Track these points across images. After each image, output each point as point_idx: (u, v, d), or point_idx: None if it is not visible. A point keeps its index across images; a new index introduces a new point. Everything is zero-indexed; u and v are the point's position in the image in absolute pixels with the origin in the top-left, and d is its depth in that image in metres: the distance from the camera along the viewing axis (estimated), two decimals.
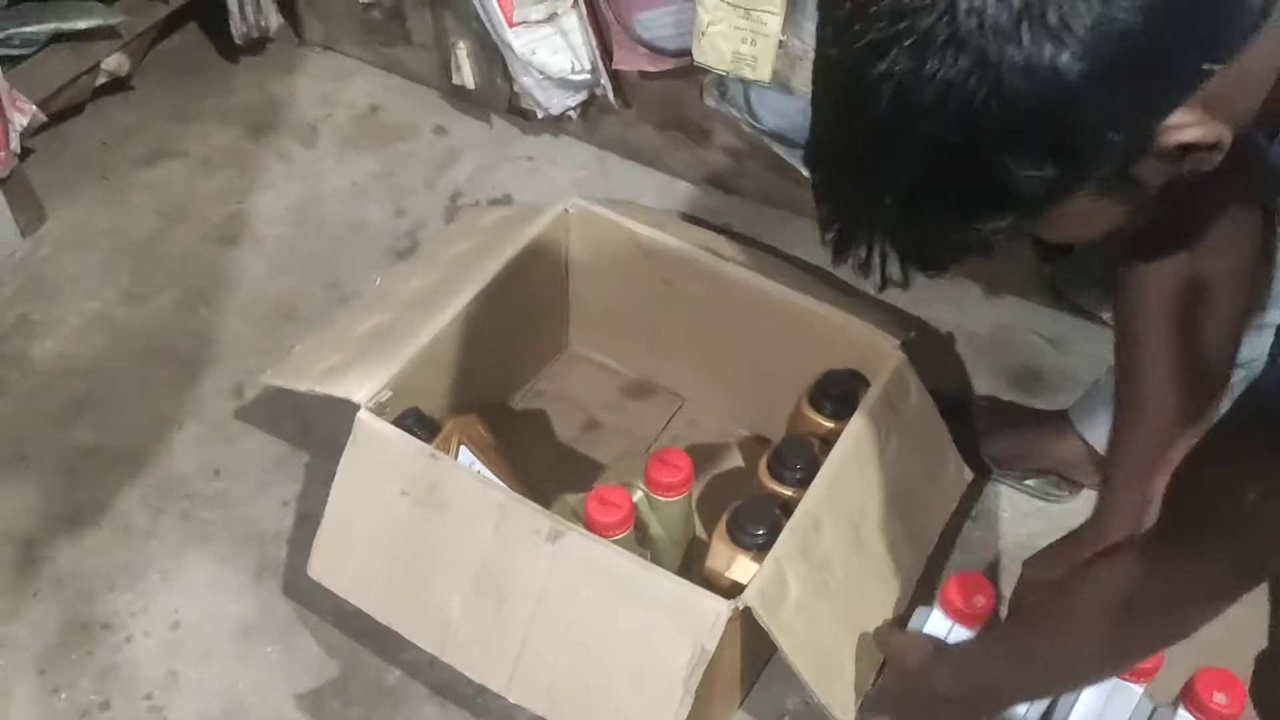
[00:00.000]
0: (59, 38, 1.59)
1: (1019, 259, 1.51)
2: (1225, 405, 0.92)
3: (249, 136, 1.73)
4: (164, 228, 1.60)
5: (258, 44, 1.82)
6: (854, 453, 1.10)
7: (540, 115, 1.65)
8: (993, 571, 1.27)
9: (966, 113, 0.57)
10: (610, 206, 1.33)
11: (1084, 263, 1.47)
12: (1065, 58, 0.56)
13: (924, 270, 0.68)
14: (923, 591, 1.14)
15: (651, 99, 1.60)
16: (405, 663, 1.19)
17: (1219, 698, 0.92)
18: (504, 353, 1.34)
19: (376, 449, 1.10)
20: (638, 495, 1.09)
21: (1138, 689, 0.96)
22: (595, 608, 1.01)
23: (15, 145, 1.49)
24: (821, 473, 1.06)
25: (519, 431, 1.35)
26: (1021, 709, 0.98)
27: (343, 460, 1.10)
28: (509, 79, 1.64)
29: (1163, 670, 0.96)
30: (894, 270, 0.68)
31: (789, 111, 1.47)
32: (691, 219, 1.58)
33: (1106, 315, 1.35)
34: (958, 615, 1.00)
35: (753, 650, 1.08)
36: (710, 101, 1.52)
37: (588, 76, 1.57)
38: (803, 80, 1.43)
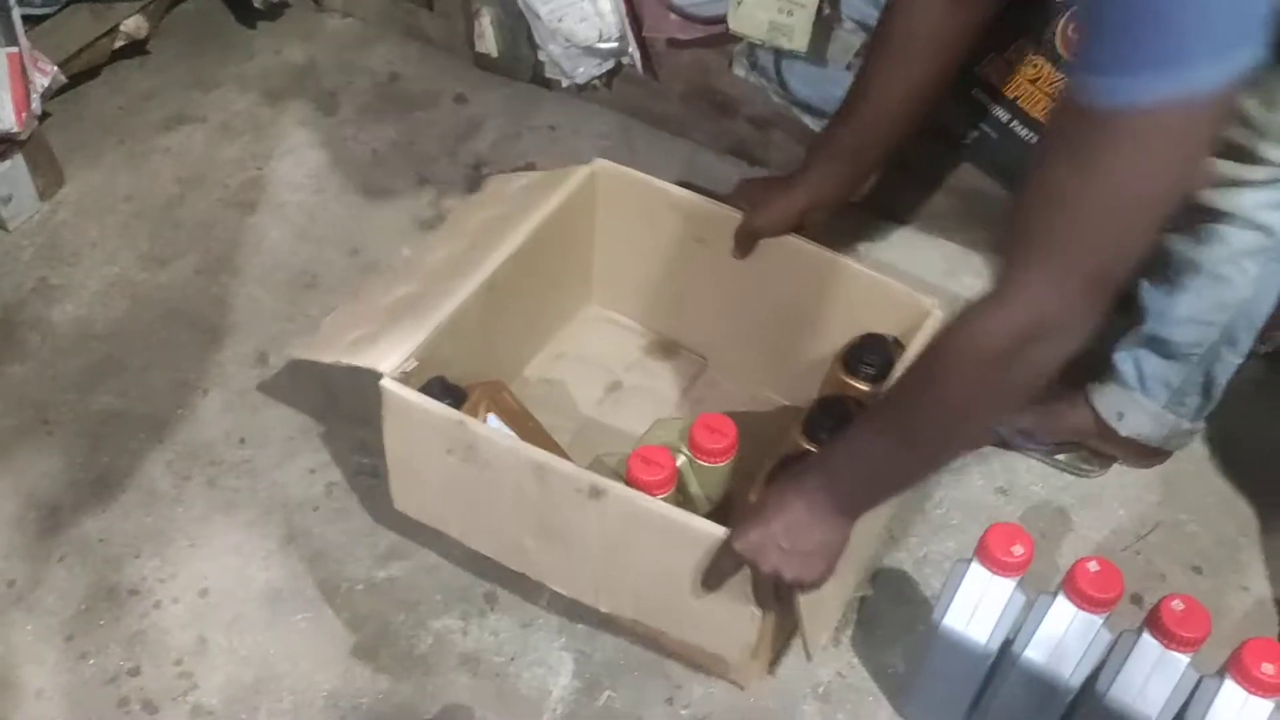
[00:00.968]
0: None
1: None
2: None
3: (268, 103, 1.71)
4: (183, 193, 1.58)
5: (276, 9, 1.80)
6: None
7: (565, 85, 1.63)
8: None
9: None
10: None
11: None
12: None
13: None
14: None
15: (678, 68, 1.59)
16: (436, 631, 1.18)
17: (1267, 668, 0.91)
18: (529, 316, 1.34)
19: (410, 414, 1.10)
20: (680, 459, 1.09)
21: (1183, 659, 0.95)
22: (653, 555, 1.04)
23: (36, 107, 1.46)
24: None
25: (542, 394, 1.34)
26: (1065, 672, 0.97)
27: (384, 418, 1.11)
28: (534, 47, 1.62)
29: (1209, 641, 0.96)
30: None
31: (820, 82, 1.45)
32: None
33: None
34: (998, 566, 0.99)
35: None
36: (739, 71, 1.51)
37: (615, 45, 1.55)
38: (837, 49, 1.42)
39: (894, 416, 0.93)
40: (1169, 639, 0.95)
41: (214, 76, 1.74)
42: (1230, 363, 1.20)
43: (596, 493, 1.02)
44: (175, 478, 1.29)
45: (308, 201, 1.58)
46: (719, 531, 0.99)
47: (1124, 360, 1.23)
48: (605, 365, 1.39)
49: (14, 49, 1.43)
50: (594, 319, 1.43)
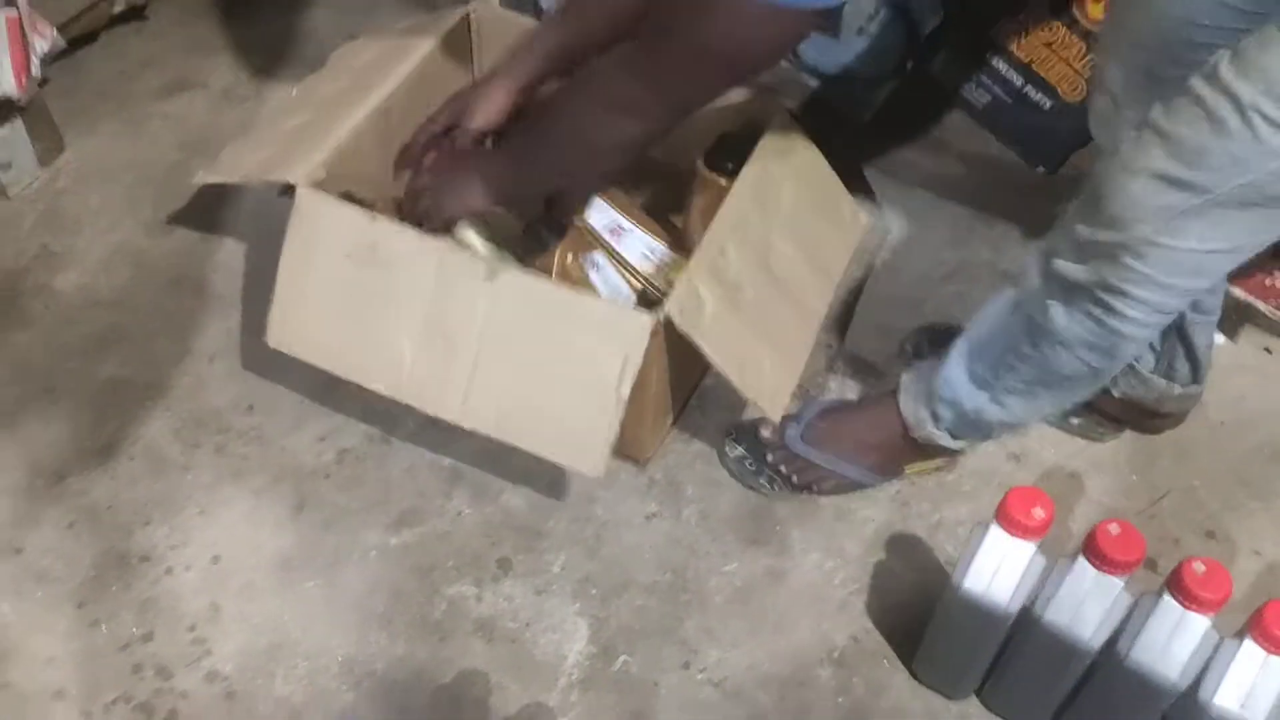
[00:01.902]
0: None
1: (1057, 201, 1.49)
2: None
3: (269, 69, 1.68)
4: (185, 159, 1.56)
5: None
6: (751, 196, 1.20)
7: None
8: None
9: None
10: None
11: None
12: None
13: None
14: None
15: None
16: (450, 597, 1.18)
17: None
18: None
19: (319, 219, 1.17)
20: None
21: (1205, 621, 0.95)
22: (533, 335, 1.12)
23: (36, 71, 1.44)
24: (722, 209, 1.17)
25: None
26: (1085, 634, 0.97)
27: (287, 233, 1.17)
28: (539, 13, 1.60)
29: (1230, 604, 0.96)
30: None
31: (830, 49, 1.44)
32: None
33: None
34: (1018, 529, 0.98)
35: (678, 375, 1.22)
36: None
37: None
38: (850, 14, 1.41)
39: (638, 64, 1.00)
40: (1190, 600, 0.95)
41: (214, 42, 1.72)
42: (1201, 323, 1.20)
43: (491, 275, 1.10)
44: (183, 445, 1.28)
45: None
46: (606, 309, 1.12)
47: None
48: None
49: (13, 11, 1.41)
50: None
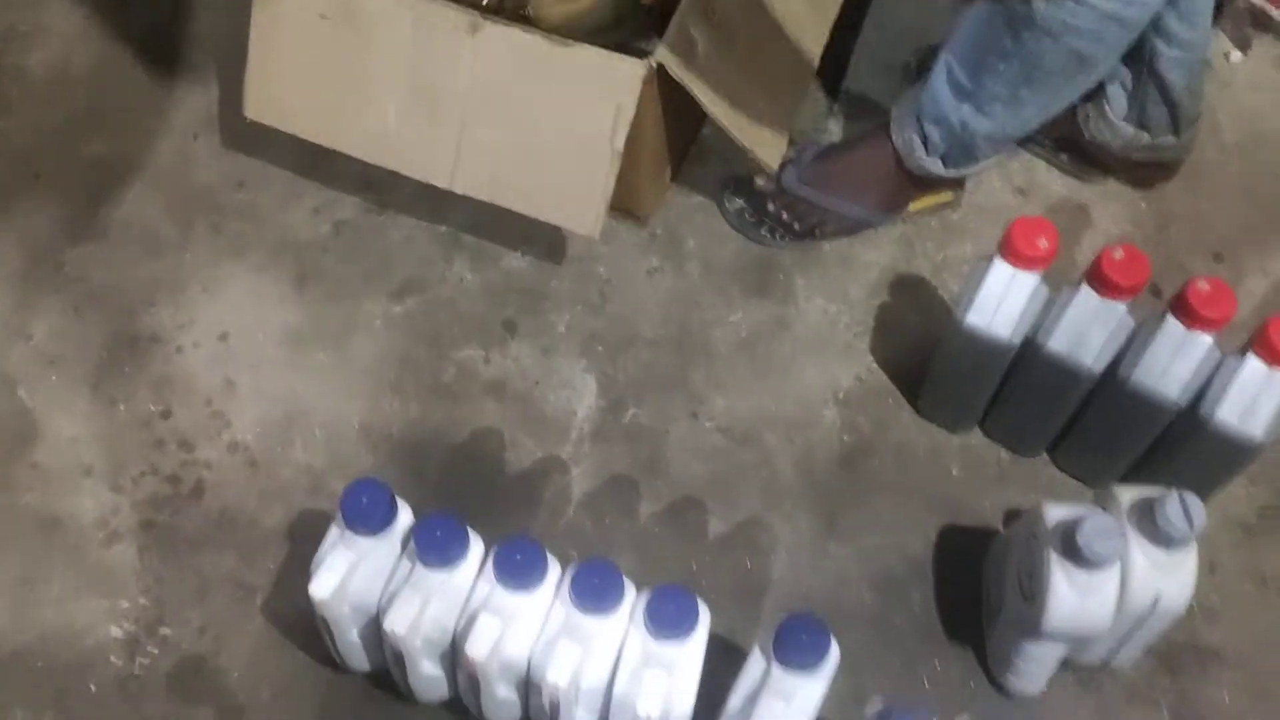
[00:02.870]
0: None
1: None
2: None
3: None
4: None
5: None
6: None
7: None
8: None
9: None
10: None
11: None
12: None
13: None
14: None
15: None
16: (458, 361, 1.19)
17: None
18: None
19: None
20: None
21: (1207, 339, 0.96)
22: (522, 90, 1.08)
23: None
24: None
25: None
26: (1087, 360, 0.98)
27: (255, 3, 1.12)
28: None
29: (1236, 324, 0.96)
30: None
31: None
32: None
33: None
34: (1021, 260, 0.98)
35: (674, 126, 1.17)
36: None
37: None
38: None
39: None
40: (1193, 319, 0.95)
41: None
42: (1175, 59, 1.13)
43: (474, 28, 1.06)
44: (178, 225, 1.27)
45: None
46: (596, 57, 1.04)
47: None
48: None
49: None
50: None
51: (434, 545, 0.88)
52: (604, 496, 1.11)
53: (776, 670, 0.86)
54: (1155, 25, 1.09)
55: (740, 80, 1.12)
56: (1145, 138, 1.21)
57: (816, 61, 1.21)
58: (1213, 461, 0.99)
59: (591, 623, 0.88)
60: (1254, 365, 0.94)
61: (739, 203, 1.26)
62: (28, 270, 1.23)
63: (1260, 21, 1.30)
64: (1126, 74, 1.16)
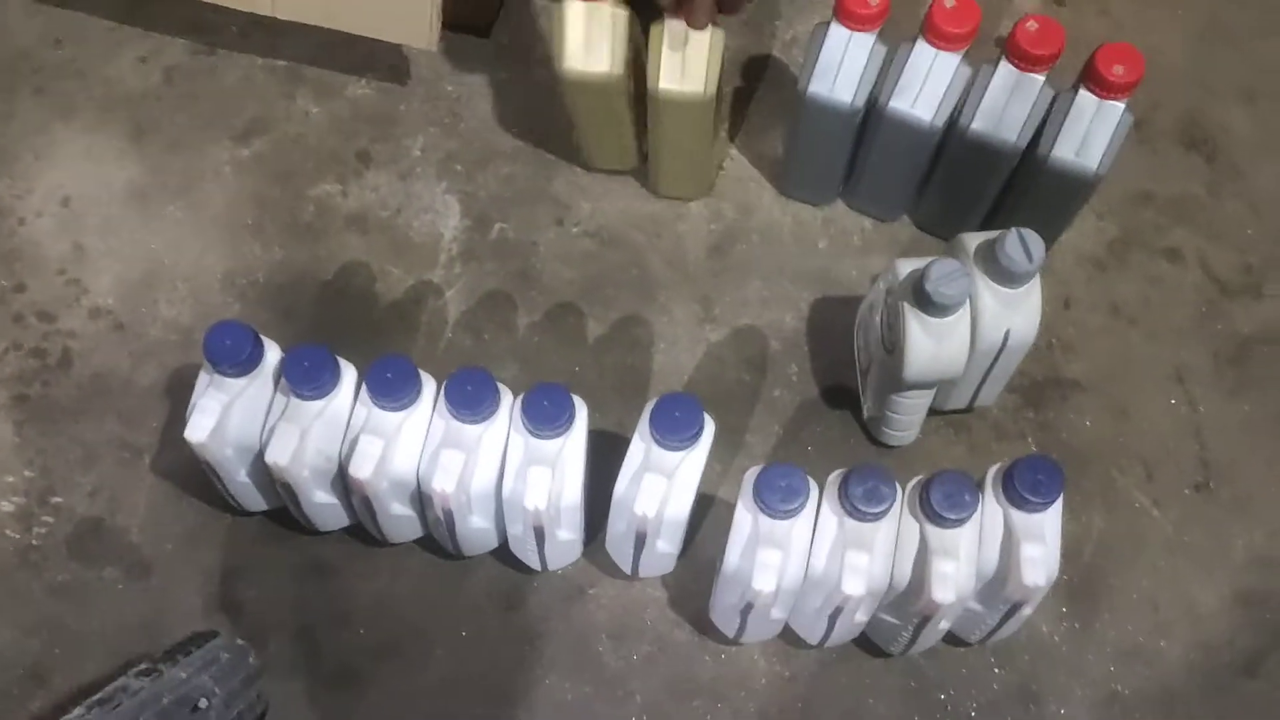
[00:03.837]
0: None
1: None
2: None
3: None
4: None
5: None
6: None
7: None
8: None
9: None
10: None
11: None
12: None
13: None
14: None
15: None
16: (315, 198, 1.17)
17: (1118, 69, 0.94)
18: None
19: None
20: None
21: (1039, 79, 0.97)
22: None
23: None
24: None
25: None
26: (927, 115, 0.99)
27: None
28: None
29: (1069, 65, 0.97)
30: None
31: None
32: None
33: None
34: (855, 20, 0.97)
35: None
36: None
37: None
38: None
39: None
40: (1024, 60, 0.97)
41: None
42: None
43: None
44: None
45: None
46: None
47: None
48: None
49: None
50: None
51: (304, 375, 0.89)
52: (480, 314, 1.12)
53: (656, 450, 0.89)
54: None
55: None
56: None
57: None
58: (1057, 199, 1.02)
59: (472, 430, 0.90)
60: (1085, 98, 0.96)
61: None
62: None
63: None
64: None
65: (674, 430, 0.87)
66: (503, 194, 1.18)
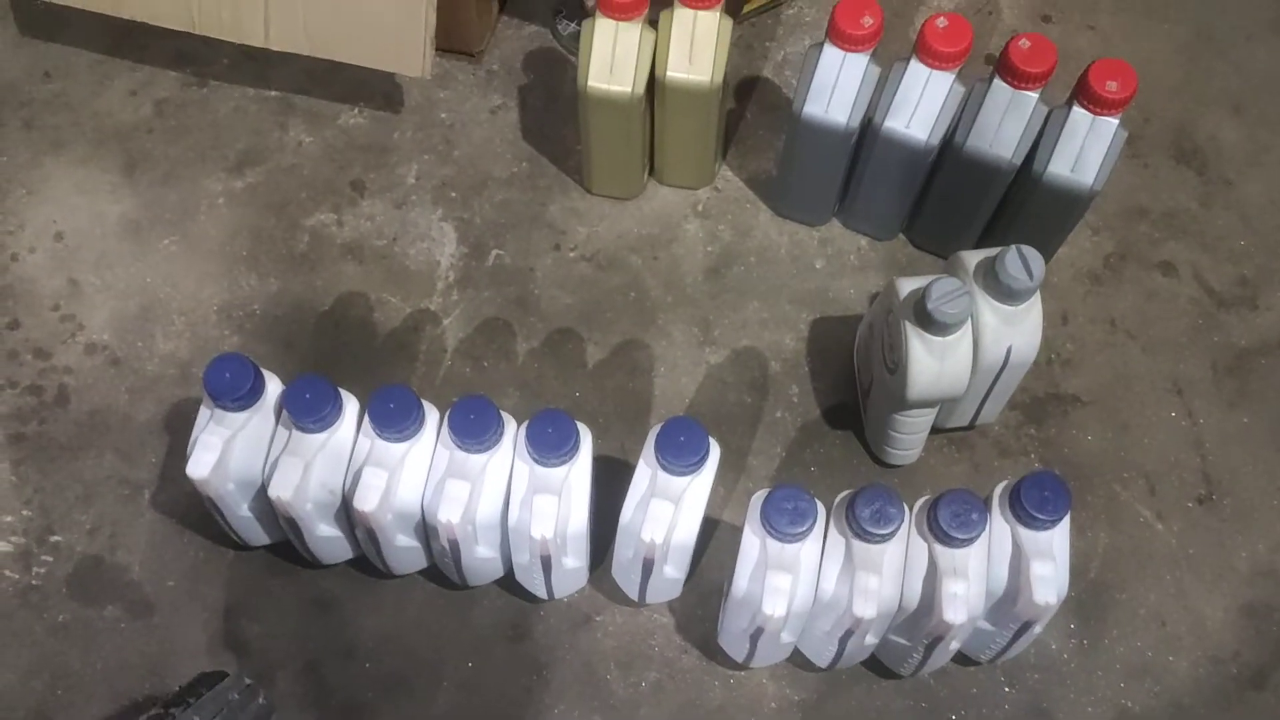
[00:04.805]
0: None
1: None
2: None
3: None
4: None
5: None
6: None
7: None
8: None
9: None
10: None
11: None
12: None
13: None
14: None
15: None
16: (311, 228, 1.16)
17: (1111, 85, 0.94)
18: None
19: None
20: None
21: (1032, 96, 0.98)
22: None
23: None
24: None
25: None
26: (922, 134, 0.99)
27: None
28: None
29: (1060, 81, 0.98)
30: None
31: None
32: None
33: None
34: (849, 41, 0.98)
35: None
36: None
37: None
38: None
39: None
40: (1017, 78, 0.97)
41: None
42: None
43: None
44: None
45: None
46: None
47: None
48: None
49: None
50: None
51: (305, 408, 0.88)
52: (479, 341, 1.12)
53: (661, 475, 0.88)
54: None
55: None
56: None
57: None
58: (1053, 215, 1.03)
59: (477, 459, 0.89)
60: (1079, 114, 0.97)
61: (572, 27, 1.23)
62: None
63: None
64: None
65: (680, 455, 0.87)
66: (498, 220, 1.18)
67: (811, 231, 1.18)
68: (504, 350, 1.11)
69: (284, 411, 0.90)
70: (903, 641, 0.91)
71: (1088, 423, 1.09)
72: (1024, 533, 0.85)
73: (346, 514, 0.92)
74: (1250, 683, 0.99)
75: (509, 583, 0.99)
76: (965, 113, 1.00)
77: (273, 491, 0.87)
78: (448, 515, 0.87)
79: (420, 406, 0.89)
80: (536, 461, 0.89)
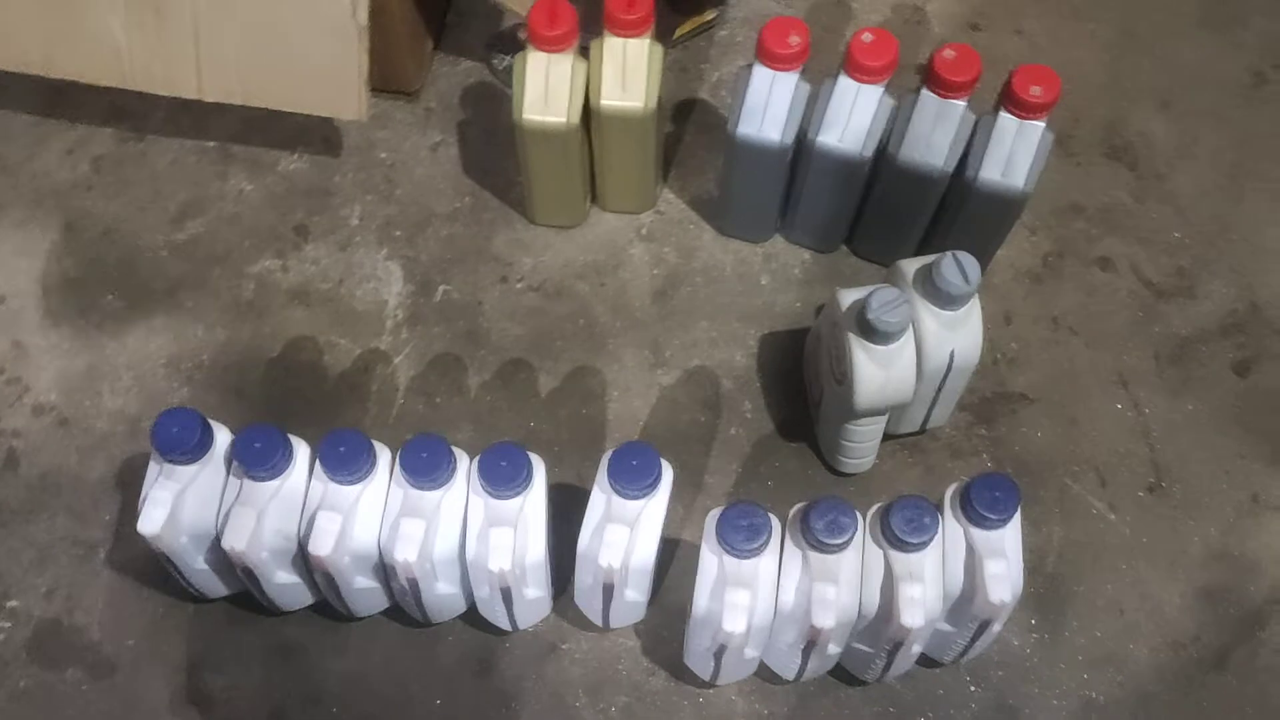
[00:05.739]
0: None
1: None
2: None
3: None
4: None
5: None
6: None
7: None
8: None
9: None
10: None
11: None
12: None
13: None
14: None
15: None
16: (256, 275, 1.16)
17: (1035, 90, 0.96)
18: None
19: None
20: None
21: (960, 104, 0.99)
22: None
23: None
24: None
25: None
26: (855, 147, 1.01)
27: None
28: None
29: (988, 85, 1.00)
30: None
31: None
32: None
33: None
34: (778, 60, 0.99)
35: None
36: None
37: None
38: None
39: None
40: (944, 88, 0.99)
41: None
42: None
43: None
44: None
45: None
46: None
47: None
48: None
49: None
50: None
51: (255, 457, 0.88)
52: (430, 378, 1.12)
53: (616, 500, 0.89)
54: None
55: None
56: None
57: None
58: (988, 218, 1.04)
59: (431, 497, 0.89)
60: (1006, 120, 0.98)
61: (507, 60, 1.24)
62: None
63: None
64: None
65: (632, 479, 0.88)
66: (444, 256, 1.18)
67: (755, 248, 1.19)
68: (456, 385, 1.12)
69: (234, 461, 0.90)
70: (865, 649, 0.92)
71: (1037, 419, 1.10)
72: (976, 533, 0.86)
73: (304, 559, 0.91)
74: (1211, 665, 1.00)
75: (473, 616, 0.99)
76: (896, 124, 1.01)
77: (226, 542, 0.87)
78: (404, 554, 0.87)
79: (371, 448, 0.89)
80: (490, 495, 0.89)
